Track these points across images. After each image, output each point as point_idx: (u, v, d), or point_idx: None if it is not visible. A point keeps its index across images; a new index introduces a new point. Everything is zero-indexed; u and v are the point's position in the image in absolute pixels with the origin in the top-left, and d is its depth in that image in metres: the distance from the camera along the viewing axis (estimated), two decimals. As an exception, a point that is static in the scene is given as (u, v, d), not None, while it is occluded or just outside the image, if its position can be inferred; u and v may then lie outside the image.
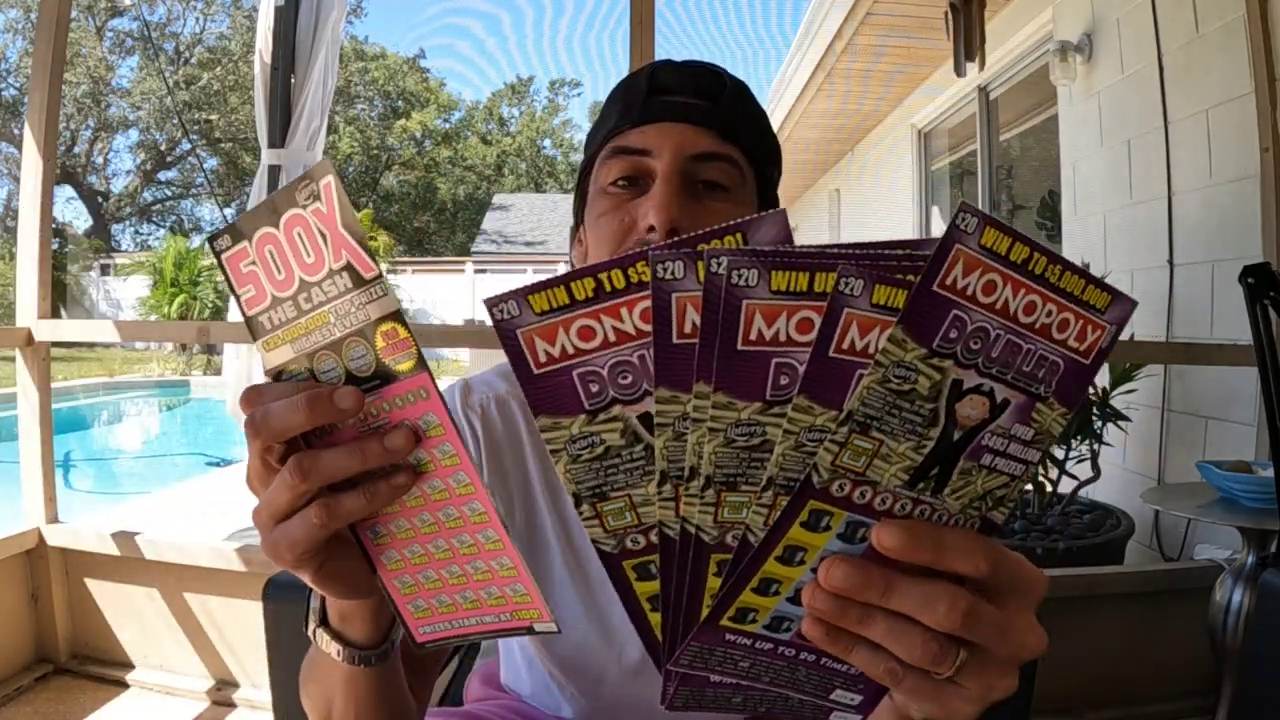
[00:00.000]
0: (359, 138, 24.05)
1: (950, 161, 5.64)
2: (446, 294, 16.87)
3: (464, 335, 3.57)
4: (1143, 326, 2.71)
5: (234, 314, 2.75)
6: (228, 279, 0.40)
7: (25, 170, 2.08)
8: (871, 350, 0.28)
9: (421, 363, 0.37)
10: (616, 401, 0.30)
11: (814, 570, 0.30)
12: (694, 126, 0.62)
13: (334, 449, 0.38)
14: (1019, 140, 4.67)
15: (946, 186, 5.82)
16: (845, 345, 0.28)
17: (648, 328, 0.29)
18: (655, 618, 0.34)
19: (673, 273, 0.27)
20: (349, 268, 0.37)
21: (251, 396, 0.39)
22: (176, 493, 4.12)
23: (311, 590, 0.50)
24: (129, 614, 2.08)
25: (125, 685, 2.02)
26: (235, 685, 2.00)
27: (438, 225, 26.61)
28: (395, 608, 0.43)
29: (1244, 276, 1.44)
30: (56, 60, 2.05)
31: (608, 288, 0.29)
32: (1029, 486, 2.36)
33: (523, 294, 0.29)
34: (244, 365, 2.60)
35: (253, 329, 0.40)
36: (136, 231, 23.12)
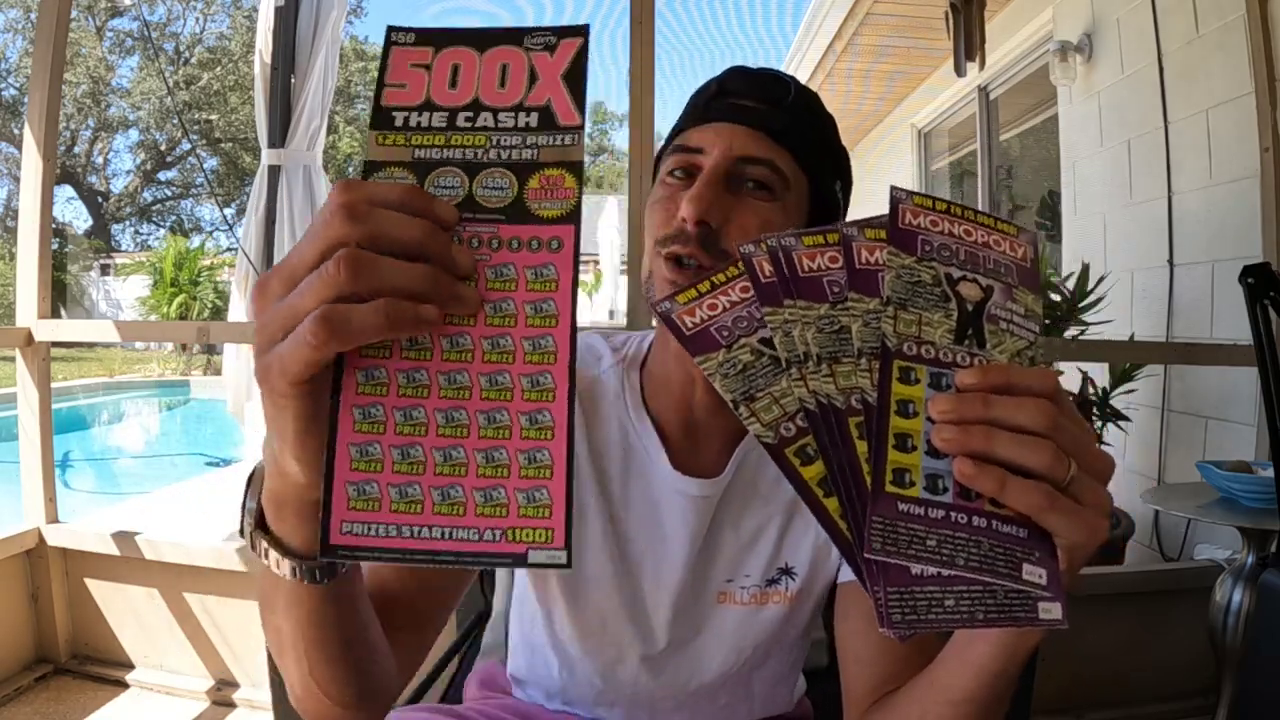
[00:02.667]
0: (359, 138, 24.03)
1: (950, 161, 5.64)
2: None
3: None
4: (1143, 326, 2.71)
5: (234, 313, 2.74)
6: (382, 66, 0.38)
7: (25, 170, 2.08)
8: (881, 262, 0.43)
9: (573, 216, 0.36)
10: (741, 336, 0.43)
11: (930, 419, 0.39)
12: (748, 128, 0.66)
13: (407, 263, 0.34)
14: (1019, 140, 4.67)
15: (947, 186, 5.81)
16: (864, 260, 0.43)
17: (745, 297, 0.44)
18: (831, 503, 0.40)
19: (750, 250, 0.44)
20: (545, 110, 0.37)
21: (349, 183, 0.35)
22: (176, 493, 4.11)
23: (249, 488, 0.44)
24: (129, 614, 2.08)
25: (125, 685, 2.02)
26: (235, 685, 2.00)
27: (438, 225, 26.48)
28: (328, 482, 0.33)
29: (1244, 276, 1.44)
30: (56, 60, 2.05)
31: (716, 280, 0.45)
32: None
33: (672, 295, 0.45)
34: (244, 365, 2.60)
35: (377, 118, 0.37)
36: (136, 231, 23.12)
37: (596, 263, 14.61)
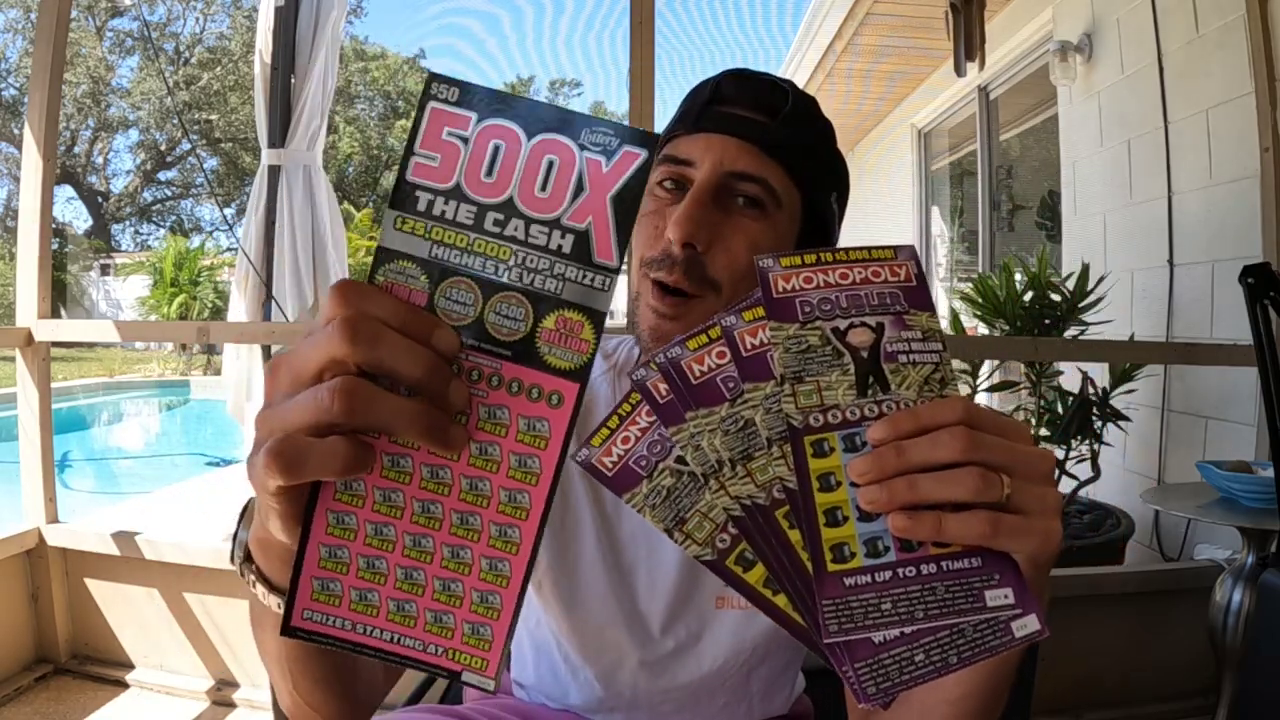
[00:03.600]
0: (359, 138, 24.03)
1: (950, 161, 5.64)
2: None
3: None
4: (1143, 326, 2.71)
5: (234, 313, 2.74)
6: (415, 125, 0.34)
7: (25, 170, 2.08)
8: (766, 342, 0.42)
9: (583, 373, 0.35)
10: (658, 461, 0.42)
11: (854, 484, 0.38)
12: (741, 141, 0.64)
13: (401, 399, 0.34)
14: (1019, 140, 4.67)
15: (946, 186, 5.82)
16: (749, 346, 0.43)
17: (652, 420, 0.43)
18: (781, 600, 0.40)
19: (642, 375, 0.43)
20: (584, 236, 0.34)
21: (349, 290, 0.34)
22: (176, 493, 4.12)
23: (242, 519, 0.46)
24: (129, 614, 2.08)
25: (125, 685, 2.02)
26: (235, 685, 2.00)
27: (438, 225, 26.49)
28: (296, 571, 0.35)
29: (1244, 276, 1.43)
30: (56, 60, 2.05)
31: (622, 413, 0.43)
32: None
33: (588, 440, 0.42)
34: (244, 365, 2.60)
35: (399, 195, 0.34)
36: (136, 231, 23.12)
37: (596, 263, 14.61)
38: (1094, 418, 2.39)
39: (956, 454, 0.37)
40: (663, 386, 0.43)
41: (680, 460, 0.42)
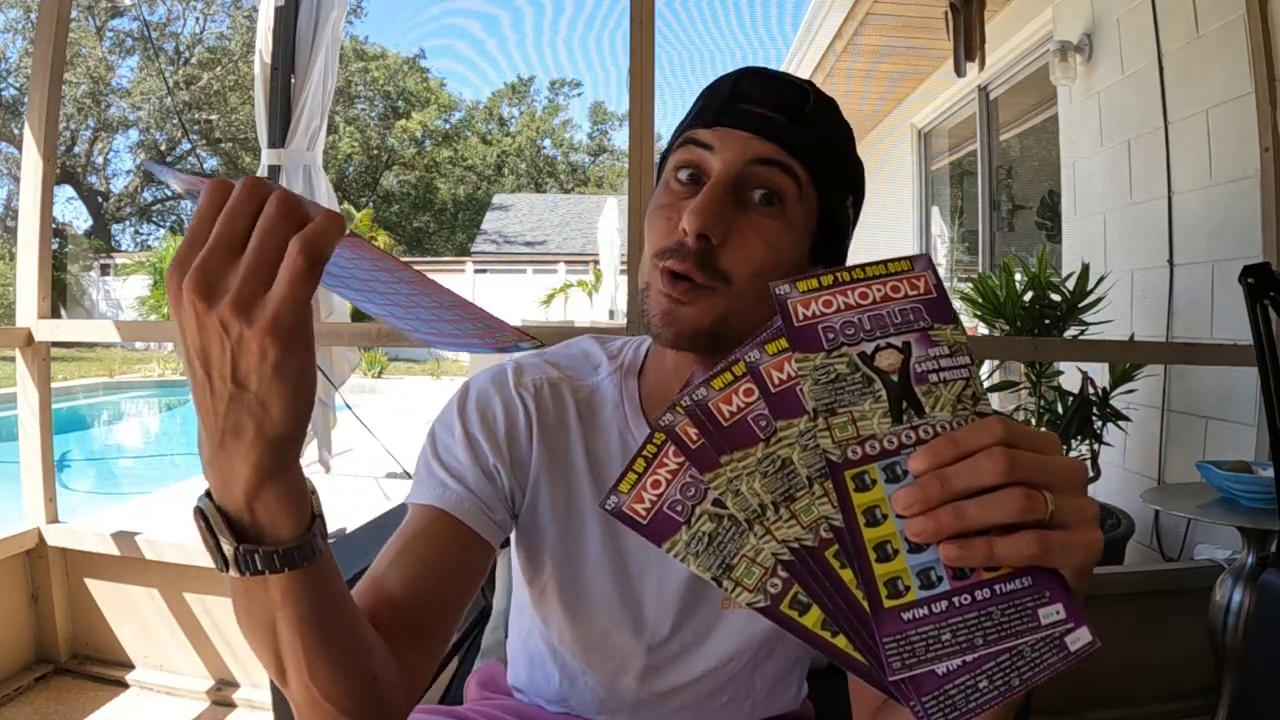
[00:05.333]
0: (359, 138, 24.04)
1: (950, 161, 5.64)
2: (446, 294, 16.80)
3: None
4: (1143, 326, 2.71)
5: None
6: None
7: (25, 170, 2.08)
8: (793, 374, 0.41)
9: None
10: (694, 505, 0.42)
11: (900, 516, 0.38)
12: (761, 139, 0.63)
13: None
14: (1019, 140, 4.67)
15: (946, 186, 5.82)
16: (776, 381, 0.42)
17: (681, 461, 0.42)
18: (841, 641, 0.39)
19: (669, 420, 0.43)
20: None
21: (258, 182, 0.40)
22: (176, 493, 4.11)
23: (208, 528, 0.43)
24: (129, 614, 2.08)
25: (125, 685, 2.02)
26: (235, 685, 2.00)
27: (438, 225, 26.62)
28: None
29: (1244, 276, 1.43)
30: (56, 60, 2.05)
31: (647, 455, 0.43)
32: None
33: (615, 486, 0.42)
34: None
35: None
36: (136, 231, 23.15)
37: (596, 263, 14.59)
38: (1094, 418, 2.39)
39: (998, 476, 0.37)
40: (692, 431, 0.42)
41: (718, 503, 0.41)
